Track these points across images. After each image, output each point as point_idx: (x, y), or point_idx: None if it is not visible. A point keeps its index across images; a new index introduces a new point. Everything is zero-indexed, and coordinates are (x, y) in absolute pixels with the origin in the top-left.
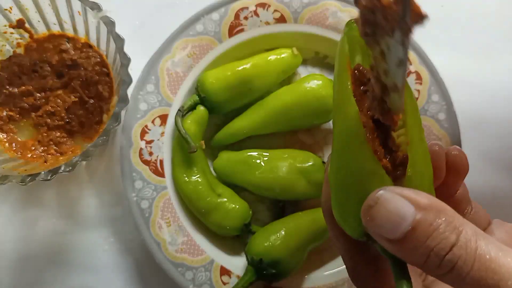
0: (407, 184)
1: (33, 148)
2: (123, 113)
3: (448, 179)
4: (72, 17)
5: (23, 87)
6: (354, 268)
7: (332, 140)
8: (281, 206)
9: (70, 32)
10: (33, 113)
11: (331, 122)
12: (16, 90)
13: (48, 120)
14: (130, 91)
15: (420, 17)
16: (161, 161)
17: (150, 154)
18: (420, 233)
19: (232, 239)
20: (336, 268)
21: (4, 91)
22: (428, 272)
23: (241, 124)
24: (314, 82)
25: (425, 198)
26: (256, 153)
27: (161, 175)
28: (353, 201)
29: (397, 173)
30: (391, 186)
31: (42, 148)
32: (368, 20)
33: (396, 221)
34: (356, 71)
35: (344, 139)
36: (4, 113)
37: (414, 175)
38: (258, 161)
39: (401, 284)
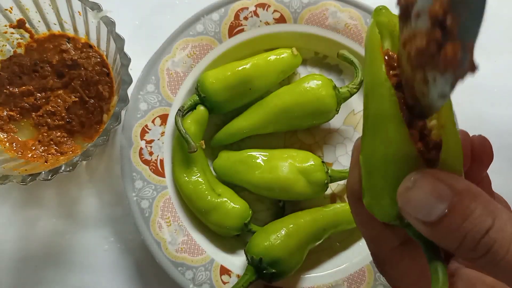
0: (441, 167)
1: (34, 148)
2: (123, 113)
3: (472, 167)
4: (72, 17)
5: (24, 87)
6: (378, 254)
7: (364, 123)
8: (281, 206)
9: (70, 32)
10: (34, 113)
11: (331, 122)
12: (16, 90)
13: (49, 120)
14: (130, 91)
15: (473, 68)
16: (161, 161)
17: (150, 154)
18: (456, 216)
19: (232, 239)
20: (336, 268)
21: (5, 91)
22: (461, 256)
23: (241, 124)
24: (313, 82)
25: (461, 182)
26: (256, 153)
27: (161, 175)
28: (387, 184)
29: (431, 157)
30: (428, 169)
31: (43, 148)
32: (423, 52)
33: (433, 204)
34: (386, 56)
35: (379, 121)
36: (5, 113)
37: (447, 159)
38: (258, 161)
39: (435, 267)
